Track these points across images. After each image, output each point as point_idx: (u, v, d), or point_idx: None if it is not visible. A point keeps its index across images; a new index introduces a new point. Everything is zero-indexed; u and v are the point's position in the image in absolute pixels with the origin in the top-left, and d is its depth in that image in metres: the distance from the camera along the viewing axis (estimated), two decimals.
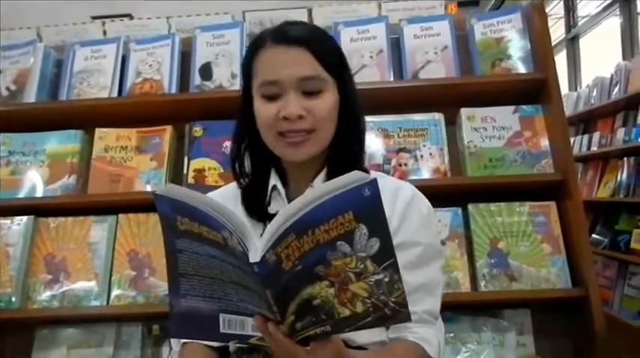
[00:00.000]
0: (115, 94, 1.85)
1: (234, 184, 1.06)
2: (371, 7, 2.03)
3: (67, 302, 1.64)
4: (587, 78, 5.02)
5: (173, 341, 1.02)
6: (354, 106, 0.98)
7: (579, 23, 5.43)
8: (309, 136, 0.92)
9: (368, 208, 0.66)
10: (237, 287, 0.72)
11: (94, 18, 5.33)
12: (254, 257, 0.67)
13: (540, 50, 1.74)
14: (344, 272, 0.67)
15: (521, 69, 1.77)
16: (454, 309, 1.64)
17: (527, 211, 1.65)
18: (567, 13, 5.59)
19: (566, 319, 1.67)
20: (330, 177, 0.96)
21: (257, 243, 0.68)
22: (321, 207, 0.65)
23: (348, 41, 1.81)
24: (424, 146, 1.71)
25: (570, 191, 1.62)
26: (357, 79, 1.03)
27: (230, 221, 0.68)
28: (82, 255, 1.68)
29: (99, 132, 1.82)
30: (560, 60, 5.42)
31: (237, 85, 1.79)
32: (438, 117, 1.74)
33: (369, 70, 1.79)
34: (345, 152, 0.98)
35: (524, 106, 1.75)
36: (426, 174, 1.69)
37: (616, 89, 3.79)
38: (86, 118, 1.83)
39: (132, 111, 1.81)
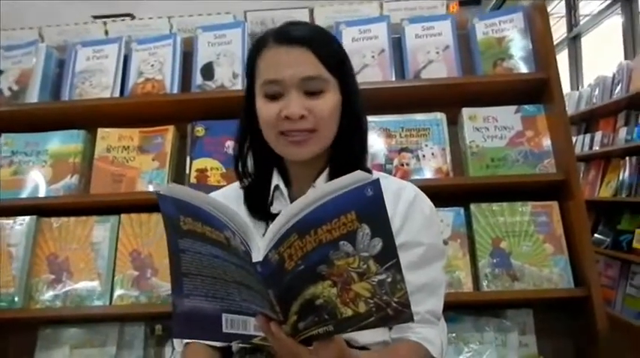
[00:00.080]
0: (117, 94, 1.85)
1: (236, 184, 1.07)
2: (372, 7, 2.03)
3: (70, 302, 1.64)
4: (588, 77, 5.01)
5: (176, 341, 1.03)
6: (356, 106, 0.98)
7: (581, 22, 5.42)
8: (311, 135, 0.92)
9: (370, 208, 0.66)
10: (240, 287, 0.72)
11: (96, 17, 5.34)
12: (257, 257, 0.67)
13: (542, 50, 1.74)
14: (346, 272, 0.67)
15: (523, 68, 1.77)
16: (456, 309, 1.64)
17: (530, 211, 1.65)
18: (569, 12, 5.58)
19: (568, 319, 1.67)
20: (332, 176, 0.96)
21: (260, 243, 0.68)
22: (324, 206, 0.66)
23: (349, 41, 1.82)
24: (426, 146, 1.71)
25: (572, 191, 1.61)
26: (358, 78, 1.03)
27: (233, 221, 0.68)
28: (85, 255, 1.68)
29: (101, 132, 1.82)
30: (562, 59, 5.41)
31: (238, 85, 1.79)
32: (440, 117, 1.74)
33: (371, 70, 1.79)
34: (347, 152, 0.98)
35: (526, 106, 1.75)
36: (428, 174, 1.69)
37: (618, 88, 3.78)
38: (88, 118, 1.83)
39: (134, 111, 1.81)
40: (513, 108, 1.75)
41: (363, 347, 0.90)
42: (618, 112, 3.87)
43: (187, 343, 0.98)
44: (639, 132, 3.46)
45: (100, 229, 1.70)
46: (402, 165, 1.70)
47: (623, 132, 3.67)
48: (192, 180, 1.73)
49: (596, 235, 3.80)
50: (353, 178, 0.65)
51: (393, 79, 1.79)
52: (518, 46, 1.79)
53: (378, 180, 0.65)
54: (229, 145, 1.72)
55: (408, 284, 0.68)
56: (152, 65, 1.87)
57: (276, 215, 0.95)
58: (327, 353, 0.73)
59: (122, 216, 1.72)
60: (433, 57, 1.80)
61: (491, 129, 1.73)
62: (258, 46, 0.96)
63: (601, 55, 5.10)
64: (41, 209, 1.73)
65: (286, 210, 0.67)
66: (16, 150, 1.81)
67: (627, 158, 3.59)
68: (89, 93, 1.86)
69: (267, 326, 0.72)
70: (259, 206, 1.00)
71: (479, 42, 1.83)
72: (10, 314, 1.65)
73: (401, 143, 1.72)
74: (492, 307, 1.66)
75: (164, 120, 1.81)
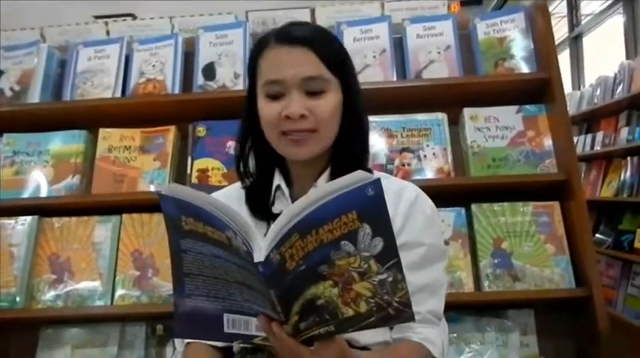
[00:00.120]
0: (118, 94, 1.85)
1: (238, 184, 1.07)
2: (374, 7, 2.03)
3: (72, 302, 1.64)
4: (590, 77, 5.01)
5: (177, 341, 1.03)
6: (358, 106, 0.98)
7: (582, 22, 5.41)
8: (312, 135, 0.93)
9: (371, 208, 0.66)
10: (242, 287, 0.72)
11: (97, 17, 5.34)
12: (258, 257, 0.67)
13: (543, 50, 1.74)
14: (348, 272, 0.67)
15: (525, 68, 1.77)
16: (458, 309, 1.64)
17: (531, 211, 1.65)
18: (570, 12, 5.58)
19: (569, 319, 1.67)
20: (333, 176, 0.96)
21: (261, 243, 0.68)
22: (325, 206, 0.66)
23: (350, 41, 1.82)
24: (427, 146, 1.71)
25: (574, 191, 1.61)
26: (359, 78, 1.03)
27: (234, 221, 0.68)
28: (86, 255, 1.68)
29: (102, 132, 1.82)
30: (564, 59, 5.41)
31: (240, 85, 1.80)
32: (441, 117, 1.74)
33: (372, 70, 1.79)
34: (348, 152, 0.98)
35: (527, 106, 1.74)
36: (429, 174, 1.69)
37: (619, 88, 3.78)
38: (90, 118, 1.83)
39: (135, 112, 1.81)
40: (515, 108, 1.75)
41: (364, 348, 0.90)
42: (620, 112, 3.87)
43: (188, 343, 0.98)
44: None
45: (101, 229, 1.70)
46: (404, 165, 1.70)
47: (624, 132, 3.67)
48: (194, 180, 1.73)
49: (597, 235, 3.80)
50: (354, 178, 0.65)
51: (395, 79, 1.79)
52: (519, 46, 1.79)
53: (379, 179, 0.65)
54: (230, 145, 1.72)
55: (409, 284, 0.68)
56: (153, 65, 1.87)
57: (278, 215, 0.95)
58: (329, 353, 0.73)
59: (123, 216, 1.72)
60: (434, 57, 1.80)
61: (493, 129, 1.73)
62: (259, 46, 0.96)
63: (602, 54, 5.10)
64: (43, 209, 1.74)
65: (287, 210, 0.68)
66: (17, 150, 1.81)
67: (628, 158, 3.59)
68: (91, 93, 1.86)
69: (269, 327, 0.72)
70: (261, 206, 1.00)
71: (480, 42, 1.83)
72: (11, 314, 1.65)
73: (402, 143, 1.72)
74: (493, 307, 1.66)
75: (165, 120, 1.81)
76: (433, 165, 1.70)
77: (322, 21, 2.00)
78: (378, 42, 1.83)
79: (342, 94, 0.96)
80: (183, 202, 0.70)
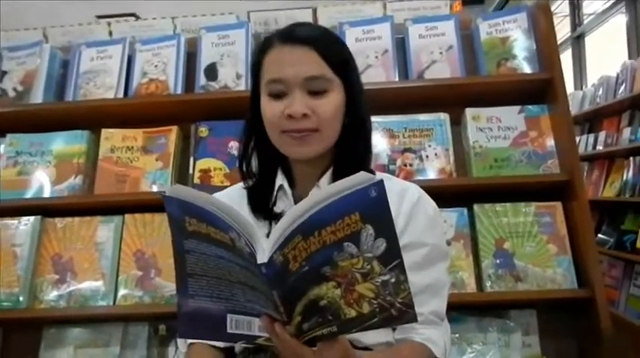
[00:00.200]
0: (120, 95, 1.86)
1: (239, 185, 1.07)
2: (376, 7, 2.03)
3: (74, 302, 1.65)
4: (592, 77, 5.00)
5: (180, 341, 1.03)
6: (360, 107, 0.98)
7: (585, 21, 5.40)
8: (314, 135, 0.93)
9: (374, 209, 0.66)
10: (245, 287, 0.72)
11: (99, 17, 5.34)
12: (261, 258, 0.67)
13: (546, 50, 1.74)
14: (350, 272, 0.67)
15: (527, 69, 1.77)
16: (460, 310, 1.64)
17: (533, 211, 1.65)
18: (572, 12, 5.57)
19: (571, 319, 1.67)
20: (336, 176, 0.97)
21: (264, 244, 0.68)
22: (328, 208, 0.66)
23: (353, 41, 1.82)
24: (429, 146, 1.71)
25: (576, 191, 1.61)
26: (362, 79, 1.03)
27: (237, 222, 0.68)
28: (89, 255, 1.69)
29: (105, 132, 1.82)
30: (566, 58, 5.40)
31: (242, 86, 1.80)
32: (444, 117, 1.74)
33: (374, 70, 1.79)
34: (351, 152, 0.98)
35: (529, 106, 1.74)
36: (431, 174, 1.69)
37: (622, 88, 3.77)
38: (92, 119, 1.84)
39: (138, 112, 1.82)
40: (517, 108, 1.75)
41: (367, 348, 0.90)
42: (622, 112, 3.86)
43: (191, 343, 0.98)
44: None
45: (104, 229, 1.71)
46: (405, 165, 1.70)
47: (627, 132, 3.67)
48: (196, 180, 1.74)
49: (599, 235, 3.80)
50: (357, 179, 0.65)
51: (397, 79, 1.79)
52: (521, 46, 1.79)
53: (381, 181, 0.65)
54: (233, 146, 1.73)
55: (412, 285, 0.69)
56: (156, 66, 1.88)
57: (279, 214, 0.97)
58: (331, 354, 0.73)
59: (126, 216, 1.72)
60: (437, 57, 1.80)
61: (495, 129, 1.72)
62: (264, 46, 0.97)
63: (605, 54, 5.09)
64: (46, 209, 1.74)
65: (290, 211, 0.68)
66: (20, 151, 1.82)
67: (631, 158, 3.59)
68: (93, 93, 1.86)
69: (272, 327, 0.72)
70: (263, 206, 1.00)
71: (482, 42, 1.83)
72: (14, 314, 1.65)
73: (404, 143, 1.72)
74: (495, 308, 1.66)
75: (168, 120, 1.82)
76: (435, 165, 1.70)
77: (324, 21, 2.00)
78: (380, 42, 1.83)
79: (344, 94, 0.96)
80: (186, 203, 0.71)
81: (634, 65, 3.68)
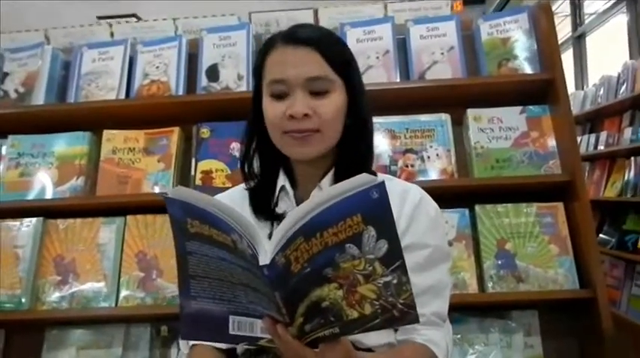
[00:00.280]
0: (122, 96, 1.86)
1: (241, 186, 1.07)
2: (377, 8, 2.03)
3: (76, 304, 1.65)
4: (593, 76, 5.00)
5: (182, 342, 1.03)
6: (362, 107, 0.99)
7: (586, 21, 5.40)
8: (315, 135, 0.93)
9: (376, 210, 0.66)
10: (247, 289, 0.72)
11: (100, 18, 5.34)
12: (264, 259, 0.67)
13: (547, 50, 1.74)
14: (352, 274, 0.68)
15: (528, 69, 1.77)
16: (461, 310, 1.64)
17: (535, 212, 1.64)
18: (573, 11, 5.57)
19: (573, 320, 1.67)
20: (337, 177, 0.97)
21: (266, 246, 0.68)
22: (330, 210, 0.66)
23: (354, 42, 1.82)
24: (431, 147, 1.71)
25: (578, 192, 1.61)
26: (363, 79, 1.03)
27: (239, 223, 0.68)
28: (91, 257, 1.69)
29: (107, 133, 1.83)
30: (567, 58, 5.40)
31: (243, 87, 1.80)
32: (445, 117, 1.74)
33: (376, 71, 1.80)
34: (352, 152, 0.99)
35: (531, 107, 1.74)
36: (432, 175, 1.69)
37: (623, 88, 3.77)
38: (94, 120, 1.84)
39: (139, 113, 1.82)
40: (518, 108, 1.75)
41: (369, 349, 0.90)
42: (623, 112, 3.86)
43: (193, 345, 0.98)
44: None
45: (105, 231, 1.71)
46: (407, 166, 1.70)
47: (628, 132, 3.66)
48: (198, 181, 1.74)
49: (601, 235, 3.79)
50: (358, 181, 0.66)
51: (398, 79, 1.79)
52: (523, 47, 1.79)
53: (383, 182, 0.65)
54: (234, 147, 1.73)
55: (414, 286, 0.69)
56: (157, 67, 1.88)
57: (281, 215, 0.97)
58: (333, 355, 0.74)
59: (128, 217, 1.73)
60: (438, 58, 1.80)
61: (496, 130, 1.72)
62: (266, 47, 0.97)
63: (606, 54, 5.09)
64: (48, 210, 1.74)
65: (292, 213, 0.68)
66: (22, 152, 1.82)
67: (632, 158, 3.58)
68: (95, 95, 1.87)
69: (274, 329, 0.72)
70: (264, 206, 1.00)
71: (483, 42, 1.83)
72: (16, 315, 1.66)
73: (405, 144, 1.72)
74: (497, 308, 1.66)
75: (169, 121, 1.82)
76: (437, 166, 1.70)
77: (325, 22, 2.00)
78: (381, 43, 1.83)
79: (346, 95, 0.96)
80: (189, 205, 0.71)
81: (635, 65, 3.68)
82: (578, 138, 4.19)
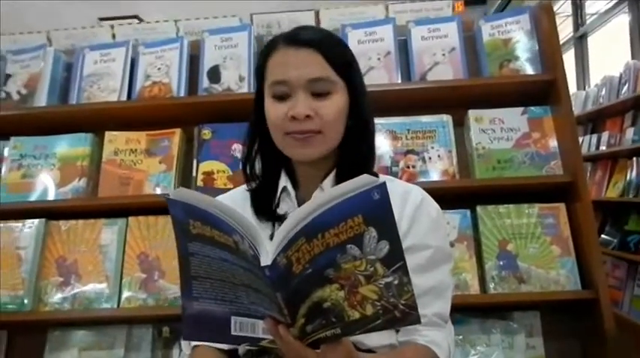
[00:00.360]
0: (124, 98, 1.86)
1: (243, 187, 1.08)
2: (378, 9, 2.03)
3: (79, 305, 1.65)
4: (595, 77, 4.99)
5: (184, 343, 1.04)
6: (364, 108, 0.99)
7: (587, 21, 5.39)
8: (317, 136, 0.93)
9: (377, 211, 0.66)
10: (249, 290, 0.72)
11: (102, 19, 5.35)
12: (265, 260, 0.67)
13: (549, 51, 1.74)
14: (354, 275, 0.68)
15: (529, 70, 1.77)
16: (463, 311, 1.63)
17: (537, 213, 1.64)
18: (575, 11, 5.56)
19: (575, 321, 1.66)
20: (339, 178, 0.97)
21: (268, 247, 0.69)
22: (331, 210, 0.66)
23: (355, 43, 1.82)
24: (432, 148, 1.71)
25: (579, 193, 1.61)
26: (364, 81, 1.03)
27: (241, 225, 0.69)
28: (93, 258, 1.69)
29: (109, 135, 1.83)
30: (568, 58, 5.39)
31: (245, 88, 1.80)
32: (446, 118, 1.74)
33: (377, 72, 1.80)
34: (354, 153, 0.99)
35: (532, 107, 1.74)
36: (434, 176, 1.69)
37: (625, 88, 3.76)
38: (96, 121, 1.85)
39: (141, 115, 1.82)
40: (520, 109, 1.74)
41: (370, 350, 0.90)
42: (625, 112, 3.85)
43: (195, 346, 0.98)
44: None
45: (107, 232, 1.71)
46: (408, 167, 1.70)
47: (630, 133, 3.66)
48: (199, 183, 1.74)
49: (603, 236, 3.79)
50: (359, 182, 0.66)
51: (399, 81, 1.79)
52: (524, 48, 1.79)
53: (384, 183, 0.65)
54: (236, 148, 1.73)
55: (415, 287, 0.69)
56: (159, 68, 1.88)
57: (282, 216, 0.97)
58: (335, 356, 0.74)
59: (130, 218, 1.73)
60: (439, 59, 1.80)
61: (498, 130, 1.72)
62: (268, 49, 0.97)
63: (608, 54, 5.08)
64: (50, 212, 1.75)
65: (294, 214, 0.68)
66: (24, 154, 1.83)
67: (634, 158, 3.58)
68: (97, 96, 1.87)
69: (276, 329, 0.72)
70: (266, 207, 1.01)
71: (485, 43, 1.83)
72: (19, 316, 1.66)
73: (407, 145, 1.72)
74: (499, 309, 1.66)
75: (171, 123, 1.82)
76: (438, 167, 1.70)
77: (326, 23, 2.00)
78: (382, 44, 1.83)
79: (348, 96, 0.96)
80: (190, 206, 0.71)
81: (637, 65, 3.67)
82: (580, 139, 4.19)
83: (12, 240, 1.71)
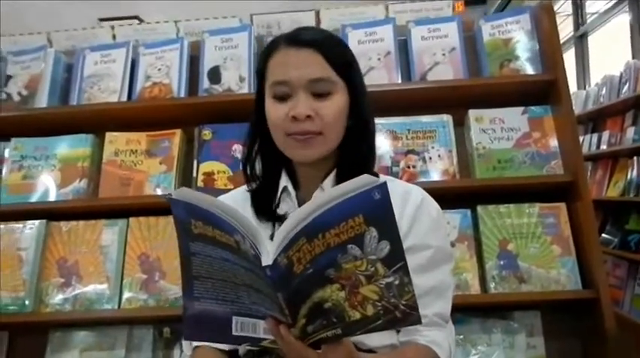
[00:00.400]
0: (124, 98, 1.86)
1: (243, 187, 1.08)
2: (378, 9, 2.03)
3: (80, 306, 1.66)
4: (596, 76, 4.99)
5: (185, 344, 1.04)
6: (364, 109, 0.99)
7: (588, 21, 5.39)
8: (317, 137, 0.94)
9: (378, 211, 0.66)
10: (250, 290, 0.72)
11: (102, 20, 5.35)
12: (266, 260, 0.67)
13: (549, 51, 1.74)
14: (354, 275, 0.68)
15: (530, 70, 1.77)
16: (464, 311, 1.63)
17: (537, 212, 1.64)
18: (575, 11, 5.56)
19: (576, 320, 1.66)
20: (339, 178, 0.97)
21: (269, 247, 0.69)
22: (332, 210, 0.66)
23: (355, 43, 1.82)
24: (432, 148, 1.71)
25: (580, 192, 1.61)
26: (364, 81, 1.03)
27: (242, 225, 0.69)
28: (94, 259, 1.69)
29: (109, 136, 1.83)
30: (569, 58, 5.39)
31: (245, 89, 1.80)
32: (447, 118, 1.74)
33: (377, 72, 1.80)
34: (354, 154, 0.99)
35: (532, 107, 1.74)
36: (434, 176, 1.69)
37: (625, 87, 3.76)
38: (96, 122, 1.85)
39: (141, 115, 1.82)
40: (520, 109, 1.74)
41: (371, 350, 0.90)
42: (626, 112, 3.85)
43: (196, 346, 0.98)
44: None
45: (108, 233, 1.71)
46: (409, 167, 1.70)
47: (630, 132, 3.66)
48: (200, 183, 1.74)
49: (603, 235, 3.79)
50: (360, 182, 0.66)
51: (399, 81, 1.79)
52: (524, 47, 1.79)
53: (385, 183, 0.66)
54: (236, 149, 1.73)
55: (416, 287, 0.69)
56: (159, 69, 1.88)
57: (283, 216, 0.97)
58: (336, 356, 0.74)
59: (130, 219, 1.73)
60: (439, 59, 1.80)
61: (498, 130, 1.72)
62: (269, 49, 0.98)
63: (608, 53, 5.08)
64: (51, 213, 1.75)
65: (294, 214, 0.68)
66: (25, 155, 1.83)
67: (635, 157, 3.57)
68: (97, 97, 1.87)
69: (277, 329, 0.72)
70: (266, 208, 1.01)
71: (485, 43, 1.83)
72: (20, 317, 1.66)
73: (407, 145, 1.72)
74: (500, 309, 1.66)
75: (171, 123, 1.82)
76: (438, 167, 1.70)
77: (326, 23, 2.00)
78: (382, 44, 1.83)
79: (348, 97, 0.97)
80: (192, 206, 0.71)
81: (637, 64, 3.67)
82: (581, 138, 4.19)
83: (13, 241, 1.71)
